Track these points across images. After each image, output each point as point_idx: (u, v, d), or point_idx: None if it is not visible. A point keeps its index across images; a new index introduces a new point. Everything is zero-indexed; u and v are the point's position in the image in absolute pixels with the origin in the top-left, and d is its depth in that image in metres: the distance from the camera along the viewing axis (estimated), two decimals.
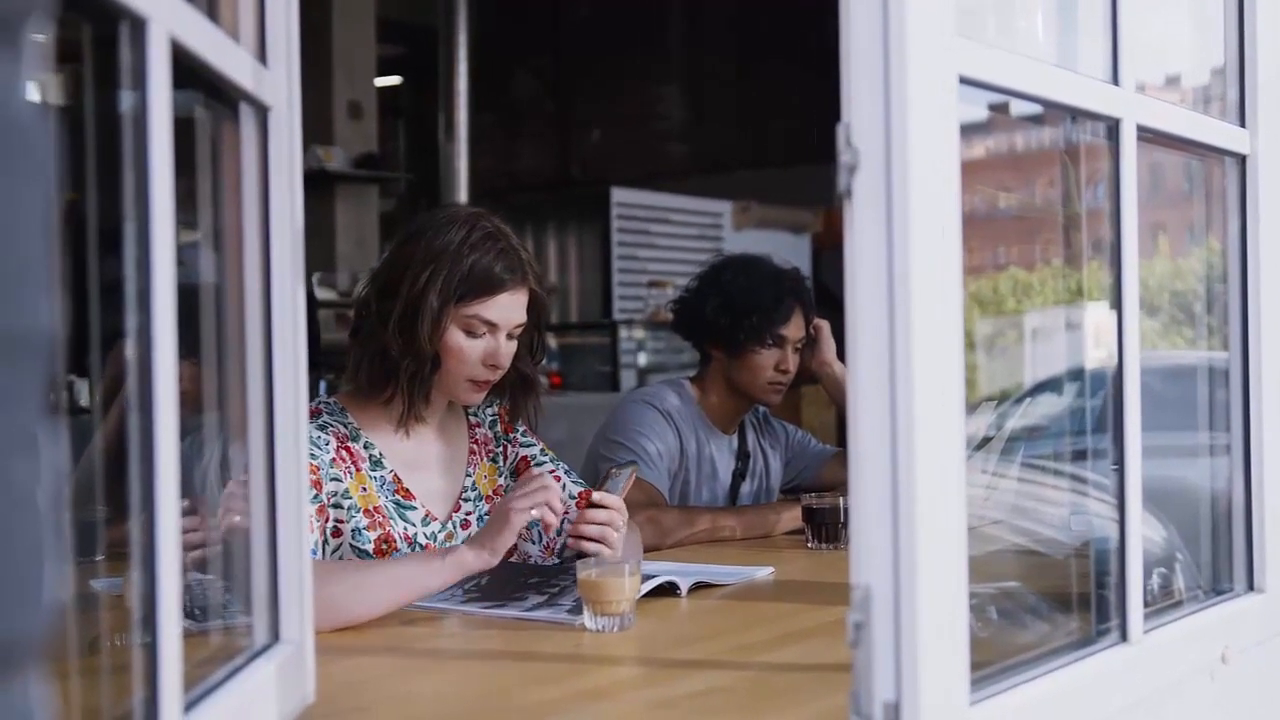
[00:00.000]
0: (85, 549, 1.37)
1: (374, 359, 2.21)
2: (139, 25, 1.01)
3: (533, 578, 2.15)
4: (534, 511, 1.98)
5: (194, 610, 1.35)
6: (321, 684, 1.46)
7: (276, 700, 1.33)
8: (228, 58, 1.23)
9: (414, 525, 2.23)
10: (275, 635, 1.38)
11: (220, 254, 1.40)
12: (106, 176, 1.06)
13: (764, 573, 2.36)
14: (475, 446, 2.39)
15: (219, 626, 1.47)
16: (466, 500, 2.34)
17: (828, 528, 2.65)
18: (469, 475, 2.35)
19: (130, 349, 1.03)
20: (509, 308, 2.22)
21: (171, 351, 1.04)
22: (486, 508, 2.35)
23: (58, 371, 0.63)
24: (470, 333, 2.20)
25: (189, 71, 1.13)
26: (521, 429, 2.44)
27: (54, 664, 0.73)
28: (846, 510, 2.65)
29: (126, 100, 1.03)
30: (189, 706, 1.11)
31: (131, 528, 1.06)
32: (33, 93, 0.60)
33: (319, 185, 7.13)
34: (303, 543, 1.41)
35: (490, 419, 2.43)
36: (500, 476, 2.40)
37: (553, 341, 7.82)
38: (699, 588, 2.19)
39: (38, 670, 0.61)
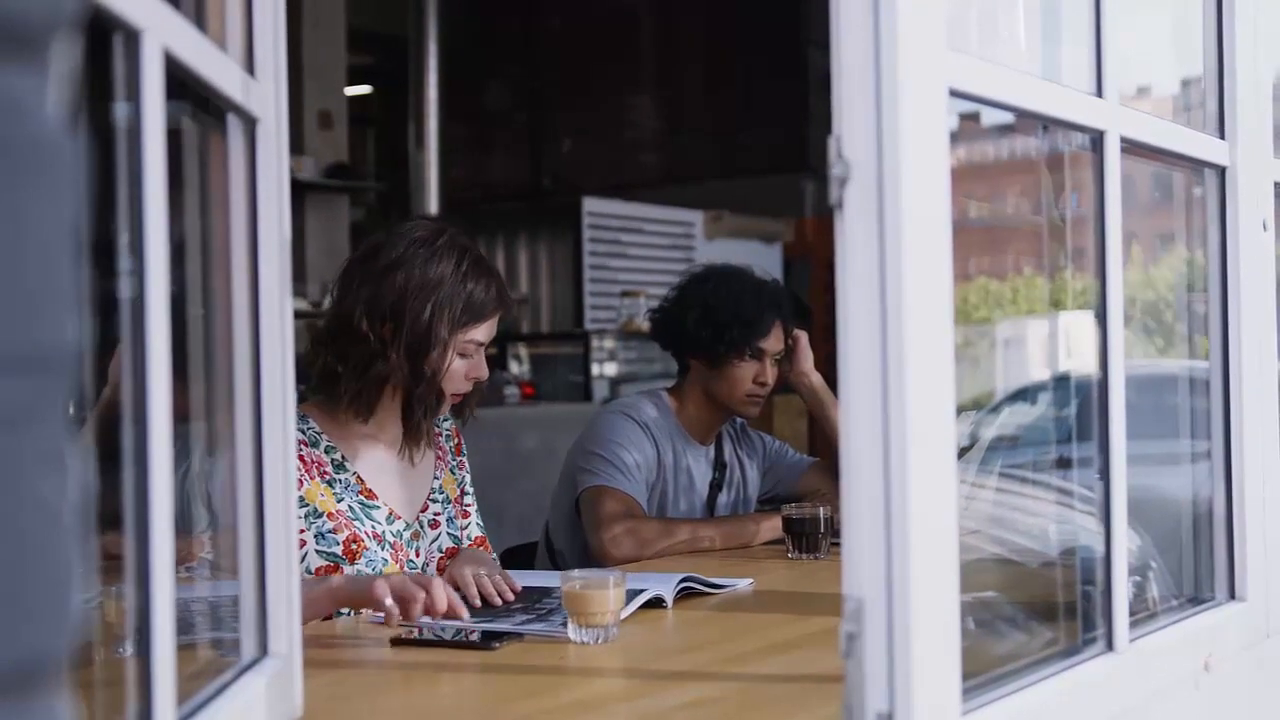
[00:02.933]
0: None
1: (376, 385, 2.26)
2: (133, 37, 1.00)
3: (517, 602, 2.14)
4: (388, 602, 1.88)
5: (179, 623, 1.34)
6: (309, 698, 1.45)
7: (265, 714, 1.32)
8: (218, 69, 1.23)
9: (379, 524, 2.29)
10: (264, 649, 1.37)
11: (207, 265, 1.39)
12: (96, 186, 1.05)
13: (745, 584, 2.36)
14: (440, 452, 2.47)
15: (204, 640, 1.46)
16: (435, 501, 2.42)
17: (808, 538, 2.65)
18: (436, 478, 2.44)
19: (124, 361, 1.02)
20: (494, 326, 2.35)
21: (165, 363, 1.03)
22: (453, 510, 2.45)
23: (79, 388, 0.63)
24: (463, 355, 2.30)
25: (178, 82, 1.13)
26: (460, 458, 2.53)
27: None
28: (827, 520, 2.67)
29: (119, 111, 1.02)
30: None
31: (117, 541, 1.06)
32: (58, 110, 0.59)
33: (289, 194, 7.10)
34: (291, 557, 1.41)
35: (446, 433, 2.51)
36: (457, 487, 2.49)
37: (524, 351, 7.80)
38: (685, 595, 2.19)
39: (66, 686, 0.60)
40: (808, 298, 7.50)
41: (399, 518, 2.33)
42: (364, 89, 9.69)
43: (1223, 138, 1.85)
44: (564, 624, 1.90)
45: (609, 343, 7.78)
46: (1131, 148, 1.60)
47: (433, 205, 8.11)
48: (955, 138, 1.56)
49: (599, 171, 9.38)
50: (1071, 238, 1.84)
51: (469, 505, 2.53)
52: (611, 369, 7.74)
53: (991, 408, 2.30)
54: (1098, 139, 1.53)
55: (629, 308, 7.81)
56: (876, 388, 1.17)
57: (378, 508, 2.30)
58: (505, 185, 9.94)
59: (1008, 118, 1.58)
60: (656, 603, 2.12)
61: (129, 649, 1.14)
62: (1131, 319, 2.07)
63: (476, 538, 2.50)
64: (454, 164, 8.61)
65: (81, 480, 0.62)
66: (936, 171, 1.22)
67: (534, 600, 2.15)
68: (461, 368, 2.30)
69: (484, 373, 2.34)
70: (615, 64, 9.57)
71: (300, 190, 7.39)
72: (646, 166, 9.54)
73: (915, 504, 1.16)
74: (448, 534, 2.41)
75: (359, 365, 2.25)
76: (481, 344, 2.32)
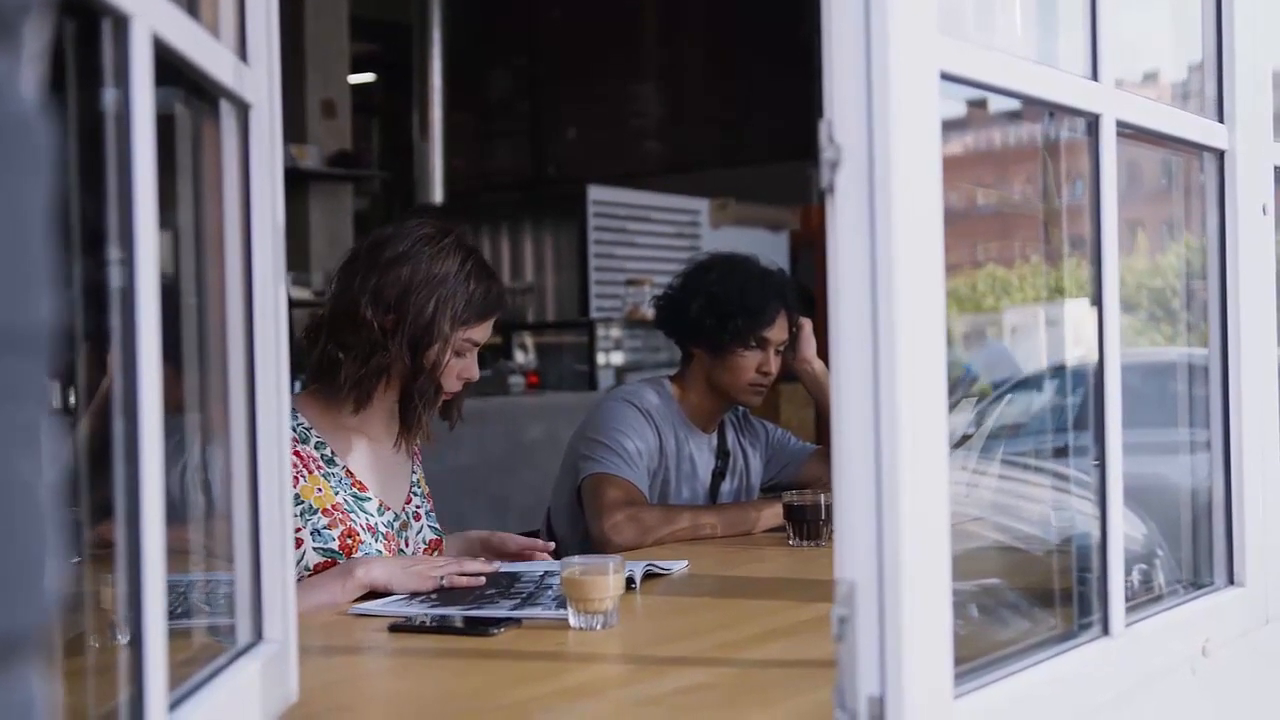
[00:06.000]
0: (65, 550, 1.36)
1: (375, 376, 2.28)
2: (122, 22, 1.00)
3: (490, 588, 2.14)
4: (444, 582, 2.14)
5: (174, 609, 1.35)
6: (304, 683, 1.45)
7: (260, 699, 1.32)
8: (209, 55, 1.23)
9: (372, 515, 2.32)
10: (258, 634, 1.38)
11: (200, 253, 1.39)
12: (86, 173, 1.06)
13: (680, 565, 2.40)
14: (417, 449, 2.51)
15: (201, 625, 1.47)
16: (415, 495, 2.46)
17: (809, 525, 2.65)
18: (414, 472, 2.48)
19: (113, 350, 1.02)
20: (490, 328, 2.39)
21: (155, 352, 1.03)
22: (429, 505, 2.49)
23: (54, 368, 0.63)
24: (458, 353, 2.33)
25: (169, 68, 1.13)
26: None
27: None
28: (828, 507, 2.66)
29: (108, 97, 1.02)
30: (173, 705, 1.10)
31: (114, 528, 1.06)
32: (31, 90, 0.60)
33: (292, 184, 7.09)
34: (286, 542, 1.41)
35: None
36: (427, 484, 2.53)
37: (529, 340, 7.81)
38: (648, 577, 2.24)
39: (39, 663, 0.61)
40: (815, 285, 7.50)
41: (388, 509, 2.36)
42: (368, 77, 9.69)
43: (1222, 121, 1.84)
44: (559, 606, 1.91)
45: (614, 331, 7.78)
46: (1128, 132, 1.60)
47: (437, 194, 8.12)
48: (962, 125, 1.56)
49: (603, 160, 9.38)
50: (1079, 225, 1.84)
51: (417, 507, 2.54)
52: (617, 358, 7.74)
53: (996, 395, 2.29)
54: (1093, 123, 1.53)
55: (634, 296, 7.81)
56: (867, 371, 1.17)
57: (369, 499, 2.33)
58: (509, 174, 9.95)
59: (1015, 104, 1.58)
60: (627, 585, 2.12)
61: (127, 635, 1.14)
62: (1137, 307, 2.07)
63: (431, 540, 2.50)
64: (458, 152, 8.61)
65: (58, 459, 0.62)
66: (928, 156, 1.22)
67: (507, 586, 2.15)
68: (455, 367, 2.33)
69: (474, 374, 2.38)
70: (618, 52, 9.57)
71: (304, 179, 7.40)
72: (650, 155, 9.55)
73: (906, 487, 1.16)
74: (429, 526, 2.45)
75: (361, 354, 2.27)
76: (477, 344, 2.35)
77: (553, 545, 2.50)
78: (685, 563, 2.43)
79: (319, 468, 2.28)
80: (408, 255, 2.28)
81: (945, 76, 1.25)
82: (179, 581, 1.44)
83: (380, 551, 2.28)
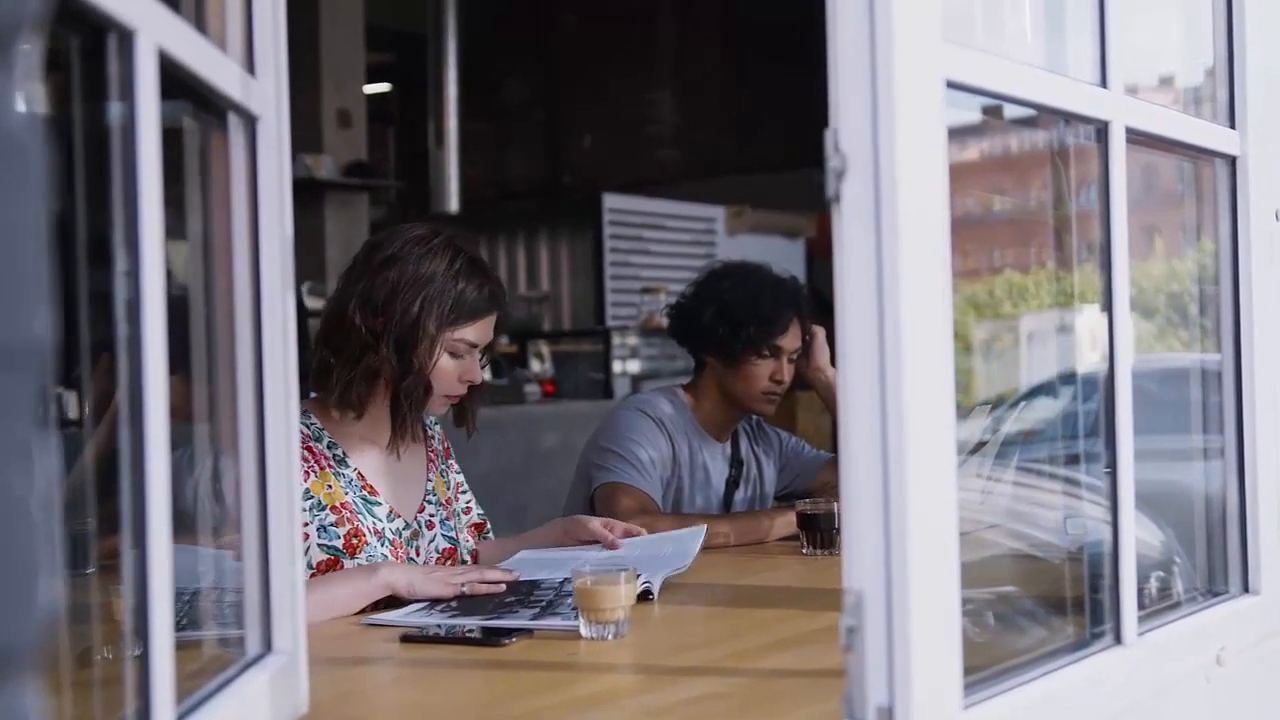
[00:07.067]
0: (76, 562, 1.36)
1: (365, 379, 2.29)
2: (127, 36, 1.01)
3: (509, 597, 2.14)
4: (464, 589, 2.14)
5: (182, 620, 1.35)
6: (314, 695, 1.45)
7: (269, 710, 1.32)
8: (215, 68, 1.23)
9: (381, 520, 2.32)
10: (268, 645, 1.38)
11: (209, 265, 1.39)
12: (93, 186, 1.06)
13: (697, 532, 2.42)
14: (432, 455, 2.50)
15: (211, 636, 1.47)
16: (429, 503, 2.45)
17: (822, 533, 2.65)
18: (429, 481, 2.47)
19: (120, 361, 1.03)
20: (489, 329, 2.36)
21: (162, 363, 1.03)
22: (445, 513, 2.47)
23: (50, 383, 0.64)
24: (453, 354, 2.32)
25: (176, 81, 1.13)
26: (450, 461, 2.57)
27: (47, 676, 0.73)
28: (841, 515, 2.65)
29: (114, 110, 1.03)
30: (181, 717, 1.11)
31: (122, 540, 1.06)
32: (25, 104, 0.60)
33: (308, 194, 7.11)
34: (295, 553, 1.41)
35: (435, 436, 2.55)
36: (448, 489, 2.52)
37: (545, 349, 7.80)
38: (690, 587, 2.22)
39: (33, 680, 0.61)
40: (831, 293, 7.48)
41: (399, 516, 2.36)
42: (383, 87, 9.69)
43: (1233, 127, 1.83)
44: (575, 615, 1.90)
45: (630, 339, 7.78)
46: (1138, 138, 1.59)
47: (452, 203, 8.12)
48: (978, 131, 1.56)
49: (619, 167, 9.37)
50: (1093, 230, 1.84)
51: (469, 501, 2.57)
52: (633, 366, 7.74)
53: (1012, 402, 2.28)
54: (1102, 130, 1.53)
55: (650, 304, 7.81)
56: (875, 380, 1.17)
57: (379, 504, 2.33)
58: (525, 182, 9.94)
59: (1031, 110, 1.57)
60: (644, 595, 2.12)
61: (140, 647, 1.15)
62: (1155, 312, 2.05)
63: (475, 524, 2.56)
64: (473, 161, 8.61)
65: (55, 474, 0.62)
66: (934, 165, 1.21)
67: (526, 594, 2.14)
68: (453, 368, 2.32)
69: (476, 376, 2.36)
70: (632, 59, 9.56)
71: (319, 189, 7.40)
72: (665, 162, 9.53)
73: (914, 496, 1.16)
74: (442, 535, 2.44)
75: (350, 358, 2.27)
76: (473, 345, 2.33)
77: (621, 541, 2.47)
78: (703, 528, 2.44)
79: (330, 466, 2.29)
80: (396, 257, 2.29)
81: (951, 85, 1.25)
82: (184, 590, 1.45)
83: (385, 556, 2.28)
